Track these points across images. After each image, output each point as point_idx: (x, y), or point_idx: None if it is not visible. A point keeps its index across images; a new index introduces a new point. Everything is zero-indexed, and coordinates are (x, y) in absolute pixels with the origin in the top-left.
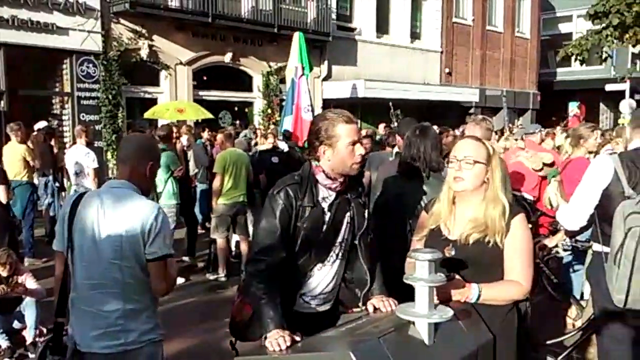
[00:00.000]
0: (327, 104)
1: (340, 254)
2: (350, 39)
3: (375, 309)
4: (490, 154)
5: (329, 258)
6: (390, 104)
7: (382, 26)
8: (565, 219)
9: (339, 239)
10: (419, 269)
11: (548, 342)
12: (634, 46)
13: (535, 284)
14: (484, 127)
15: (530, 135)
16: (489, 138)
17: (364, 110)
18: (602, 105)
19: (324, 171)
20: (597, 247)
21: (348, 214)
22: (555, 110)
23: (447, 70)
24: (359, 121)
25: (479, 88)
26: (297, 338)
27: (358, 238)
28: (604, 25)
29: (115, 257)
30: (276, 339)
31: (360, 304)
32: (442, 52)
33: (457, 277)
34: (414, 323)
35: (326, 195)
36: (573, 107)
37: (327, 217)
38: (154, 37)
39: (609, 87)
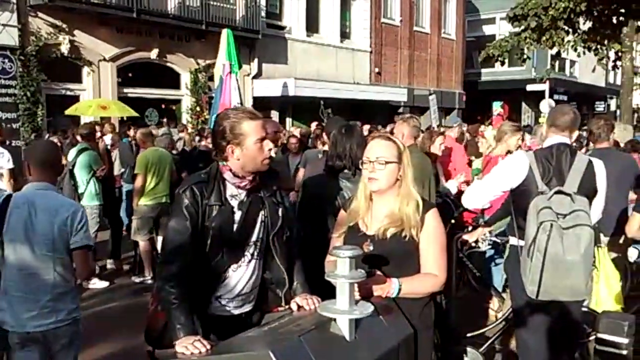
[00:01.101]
0: (258, 102)
1: (255, 254)
2: (280, 37)
3: (298, 307)
4: (401, 152)
5: (243, 258)
6: (322, 102)
7: (312, 25)
8: (467, 196)
9: (253, 239)
10: (340, 266)
11: (469, 334)
12: (550, 48)
13: (460, 278)
14: (411, 125)
15: (449, 130)
16: (416, 135)
17: (295, 108)
18: (524, 105)
19: (231, 170)
20: (513, 240)
21: (262, 212)
22: (480, 110)
23: (376, 69)
24: (289, 119)
25: (407, 88)
26: (208, 346)
27: (272, 237)
28: (522, 27)
29: (48, 250)
30: (186, 346)
31: (282, 304)
32: (371, 52)
33: (378, 272)
34: (335, 320)
35: (235, 193)
36: (497, 107)
37: (237, 216)
38: (75, 32)
39: (530, 88)
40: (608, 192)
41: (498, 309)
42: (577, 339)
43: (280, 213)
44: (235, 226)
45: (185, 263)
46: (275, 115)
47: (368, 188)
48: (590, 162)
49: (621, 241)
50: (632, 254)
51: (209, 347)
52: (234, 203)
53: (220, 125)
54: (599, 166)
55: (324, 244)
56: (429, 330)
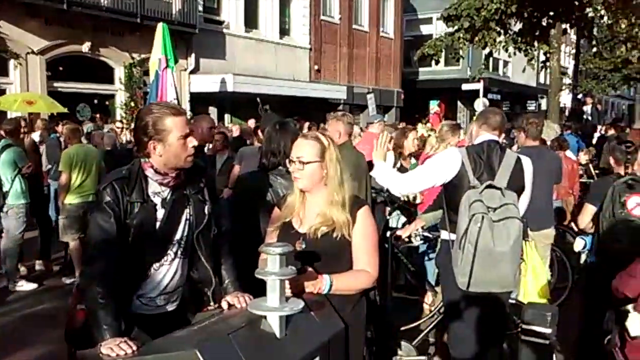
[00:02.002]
0: (196, 97)
1: (179, 253)
2: (218, 32)
3: (229, 305)
4: (324, 150)
5: (166, 257)
6: (258, 99)
7: (251, 21)
8: (396, 183)
9: (177, 237)
10: (270, 262)
11: (404, 328)
12: (483, 48)
13: (395, 274)
14: (345, 122)
15: (371, 126)
16: (350, 132)
17: (234, 104)
18: (459, 104)
19: (152, 166)
20: (444, 235)
21: (187, 210)
22: (418, 108)
23: (316, 67)
24: (228, 116)
25: (346, 85)
26: (134, 347)
27: (196, 235)
28: (456, 27)
29: None
30: (111, 348)
31: (211, 303)
32: (310, 49)
33: (310, 269)
34: (266, 317)
35: (158, 190)
36: (434, 105)
37: (160, 214)
38: (1, 23)
39: (465, 87)
40: (536, 188)
41: (432, 302)
42: (505, 329)
43: (206, 211)
44: (158, 224)
45: (111, 261)
46: (213, 111)
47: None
48: (518, 158)
49: (549, 233)
50: (578, 244)
51: (135, 348)
52: (157, 200)
53: (142, 120)
54: (527, 163)
55: (257, 241)
56: (361, 326)
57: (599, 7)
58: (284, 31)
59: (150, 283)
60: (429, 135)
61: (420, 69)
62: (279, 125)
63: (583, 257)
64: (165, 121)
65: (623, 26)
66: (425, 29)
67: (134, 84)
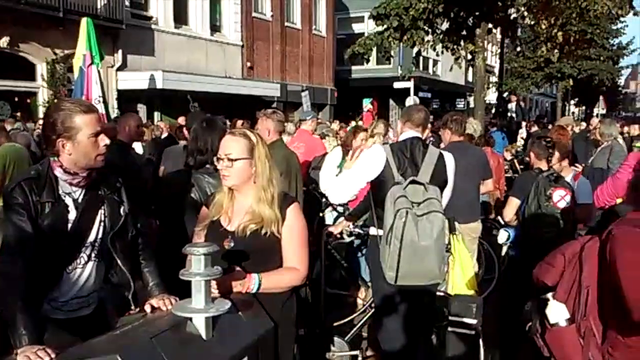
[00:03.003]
0: (123, 95)
1: (94, 255)
2: (146, 27)
3: (154, 308)
4: (253, 147)
5: (79, 259)
6: (189, 96)
7: (181, 16)
8: (333, 192)
9: (90, 239)
10: (195, 263)
11: (336, 323)
12: (412, 47)
13: (328, 270)
14: (275, 120)
15: (304, 123)
16: (281, 130)
17: (164, 102)
18: (391, 102)
19: (62, 166)
20: (373, 230)
21: (101, 211)
22: (351, 106)
23: (248, 64)
24: (158, 113)
25: (280, 83)
26: (52, 355)
27: (111, 237)
28: (385, 26)
29: None
30: (28, 356)
31: (132, 307)
32: (242, 46)
33: (238, 268)
34: (191, 319)
35: (70, 190)
36: (367, 103)
37: (72, 215)
38: None
39: (396, 85)
40: (462, 182)
41: (365, 297)
42: (433, 322)
43: (122, 212)
44: (69, 226)
45: (23, 264)
46: (142, 109)
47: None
48: (441, 154)
49: (475, 227)
50: (502, 236)
51: (53, 355)
52: (69, 201)
53: (50, 117)
54: (449, 158)
55: (184, 242)
56: (291, 324)
57: (521, 9)
58: (215, 28)
59: (62, 286)
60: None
61: (353, 67)
62: (206, 123)
63: (504, 250)
64: (75, 119)
65: (543, 27)
66: (357, 28)
67: (58, 81)
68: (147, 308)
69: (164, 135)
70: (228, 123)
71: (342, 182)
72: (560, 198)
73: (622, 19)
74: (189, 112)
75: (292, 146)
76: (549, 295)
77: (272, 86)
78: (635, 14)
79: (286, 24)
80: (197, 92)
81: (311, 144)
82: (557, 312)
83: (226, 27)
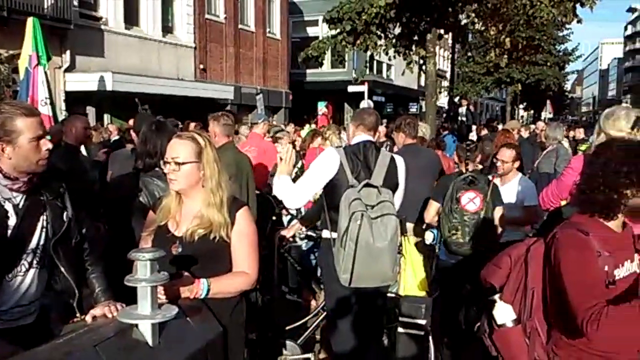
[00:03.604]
0: (72, 96)
1: (35, 262)
2: (95, 28)
3: (99, 316)
4: (201, 151)
5: (20, 267)
6: (137, 99)
7: (132, 17)
8: (288, 198)
9: (32, 246)
10: (140, 269)
11: (288, 327)
12: (365, 51)
13: (285, 273)
14: (221, 123)
15: (255, 127)
16: (228, 133)
17: (114, 104)
18: (346, 105)
19: (1, 171)
20: (326, 233)
21: (43, 217)
22: (306, 109)
23: (201, 66)
24: (108, 116)
25: (234, 85)
26: None
27: (54, 244)
28: (338, 30)
29: None
30: None
31: (77, 314)
32: (195, 48)
33: (186, 274)
34: (137, 326)
35: (10, 196)
36: (322, 107)
37: (12, 221)
38: None
39: (350, 89)
40: (415, 184)
41: (318, 300)
42: (384, 323)
43: (65, 218)
44: (9, 232)
45: None
46: (91, 111)
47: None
48: (392, 158)
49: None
50: (428, 237)
51: None
52: (9, 207)
53: None
54: (400, 162)
55: (133, 247)
56: (241, 328)
57: (471, 15)
58: (167, 29)
59: (2, 295)
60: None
61: (308, 71)
62: (155, 126)
63: (436, 250)
64: (16, 122)
65: (492, 33)
66: (311, 31)
67: (2, 82)
68: (88, 317)
69: (113, 138)
70: (180, 125)
71: (298, 189)
72: (468, 200)
73: (567, 26)
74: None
75: (243, 150)
76: (496, 296)
77: (226, 88)
78: (579, 21)
79: (240, 26)
80: (148, 94)
81: (263, 147)
82: (503, 313)
83: (178, 28)
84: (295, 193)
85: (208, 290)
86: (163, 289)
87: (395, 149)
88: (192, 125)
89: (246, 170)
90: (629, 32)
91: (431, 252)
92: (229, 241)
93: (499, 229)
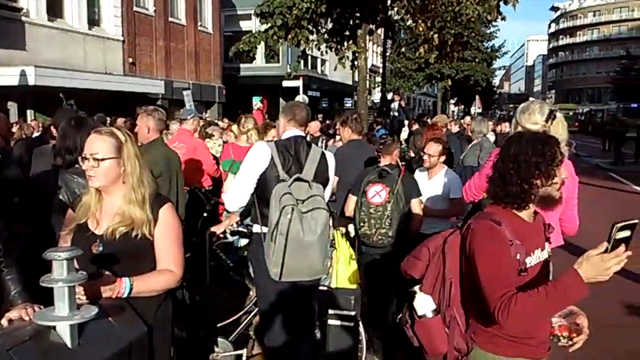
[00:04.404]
0: None
1: None
2: (16, 20)
3: (15, 319)
4: (121, 146)
5: None
6: (61, 94)
7: (55, 9)
8: (229, 201)
9: None
10: (56, 268)
11: (220, 324)
12: (297, 46)
13: (214, 270)
14: (156, 118)
15: (185, 123)
16: (162, 129)
17: (37, 99)
18: (281, 100)
19: None
20: (256, 228)
21: None
22: (240, 104)
23: (130, 60)
24: (31, 111)
25: (164, 80)
26: None
27: None
28: (269, 25)
29: None
30: None
31: None
32: (123, 41)
33: (107, 273)
34: (55, 327)
35: None
36: (256, 101)
37: None
38: None
39: (285, 83)
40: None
41: (250, 296)
42: (315, 316)
43: None
44: None
45: None
46: (13, 106)
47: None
48: (323, 153)
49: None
50: (351, 229)
51: None
52: None
53: None
54: (330, 157)
55: (52, 246)
56: (166, 327)
57: (401, 11)
58: (93, 21)
59: None
60: None
61: (242, 65)
62: (74, 121)
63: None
64: None
65: (421, 29)
66: (244, 25)
67: None
68: (4, 322)
69: (36, 134)
70: (108, 120)
71: (235, 188)
72: (375, 194)
73: (494, 23)
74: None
75: (171, 146)
76: (416, 287)
77: (156, 83)
78: (503, 18)
79: (170, 19)
80: (74, 88)
81: (192, 144)
82: (423, 303)
83: (105, 21)
84: (232, 194)
85: (130, 289)
86: (82, 289)
87: (340, 143)
88: (121, 120)
89: (175, 166)
90: (552, 29)
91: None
92: (152, 239)
93: (417, 220)
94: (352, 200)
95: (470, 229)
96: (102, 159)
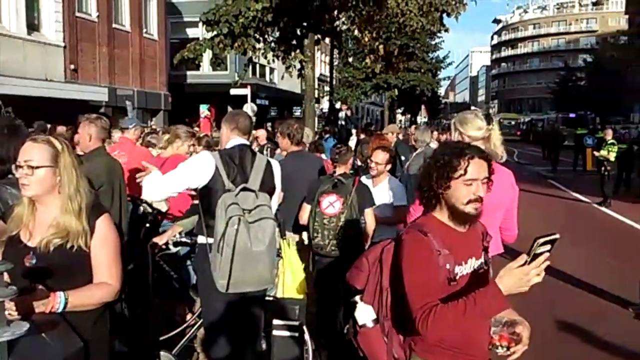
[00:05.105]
0: None
1: None
2: None
3: None
4: (57, 155)
5: None
6: None
7: None
8: (148, 187)
9: None
10: None
11: (162, 337)
12: (243, 54)
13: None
14: (99, 126)
15: (126, 132)
16: (105, 137)
17: None
18: (229, 109)
19: None
20: (201, 239)
21: None
22: (187, 112)
23: (72, 66)
24: None
25: (108, 87)
26: None
27: None
28: (216, 32)
29: None
30: None
31: None
32: (65, 47)
33: (41, 287)
34: None
35: None
36: (204, 110)
37: None
38: None
39: (233, 92)
40: (303, 190)
41: (195, 308)
42: (261, 327)
43: None
44: None
45: None
46: None
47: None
48: (268, 162)
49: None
50: (305, 238)
51: None
52: None
53: None
54: (276, 165)
55: None
56: (104, 342)
57: (346, 21)
58: (32, 26)
59: None
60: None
61: (189, 73)
62: (7, 129)
63: None
64: None
65: (367, 39)
66: (191, 32)
67: None
68: None
69: None
70: (49, 127)
71: (161, 180)
72: (328, 204)
73: (439, 34)
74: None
75: (112, 155)
76: (357, 297)
77: (99, 90)
78: (446, 30)
79: (114, 25)
80: (12, 95)
81: (134, 153)
82: (364, 313)
83: (46, 26)
84: (155, 183)
85: (65, 304)
86: (13, 304)
87: (278, 151)
88: (61, 128)
89: (118, 176)
90: (495, 41)
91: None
92: (88, 251)
93: (370, 230)
94: (306, 209)
95: (401, 239)
96: (37, 167)
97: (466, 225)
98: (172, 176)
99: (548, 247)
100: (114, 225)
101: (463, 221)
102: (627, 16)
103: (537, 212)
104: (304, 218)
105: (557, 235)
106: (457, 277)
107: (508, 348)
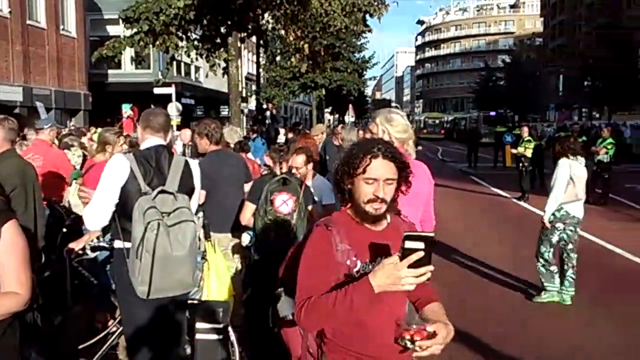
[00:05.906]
0: None
1: None
2: None
3: None
4: None
5: None
6: None
7: None
8: (89, 219)
9: None
10: None
11: (82, 346)
12: (166, 52)
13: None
14: (7, 128)
15: (41, 133)
16: (13, 139)
17: None
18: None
19: None
20: (118, 244)
21: None
22: (109, 112)
23: None
24: None
25: (22, 86)
26: None
27: None
28: (136, 30)
29: None
30: None
31: None
32: None
33: None
34: None
35: None
36: (127, 109)
37: None
38: None
39: (157, 91)
40: (227, 189)
41: (117, 314)
42: (185, 332)
43: None
44: None
45: None
46: None
47: None
48: (187, 162)
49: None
50: (244, 239)
51: None
52: None
53: None
54: (194, 166)
55: None
56: (12, 353)
57: (270, 20)
58: None
59: None
60: None
61: (110, 71)
62: None
63: (252, 251)
64: None
65: (291, 38)
66: (112, 30)
67: None
68: None
69: None
70: None
71: (95, 206)
72: (282, 202)
73: (364, 35)
74: None
75: (26, 157)
76: (281, 290)
77: (13, 90)
78: (369, 30)
79: (28, 22)
80: None
81: (50, 156)
82: (285, 306)
83: None
84: (92, 212)
85: None
86: None
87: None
88: None
89: (32, 179)
90: (419, 42)
91: (248, 253)
92: None
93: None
94: (249, 208)
95: (310, 232)
96: None
97: (376, 223)
98: (100, 196)
99: (421, 245)
100: (21, 232)
101: (365, 219)
102: (542, 18)
103: (460, 207)
104: (246, 218)
105: (431, 234)
106: (358, 275)
107: (412, 342)
